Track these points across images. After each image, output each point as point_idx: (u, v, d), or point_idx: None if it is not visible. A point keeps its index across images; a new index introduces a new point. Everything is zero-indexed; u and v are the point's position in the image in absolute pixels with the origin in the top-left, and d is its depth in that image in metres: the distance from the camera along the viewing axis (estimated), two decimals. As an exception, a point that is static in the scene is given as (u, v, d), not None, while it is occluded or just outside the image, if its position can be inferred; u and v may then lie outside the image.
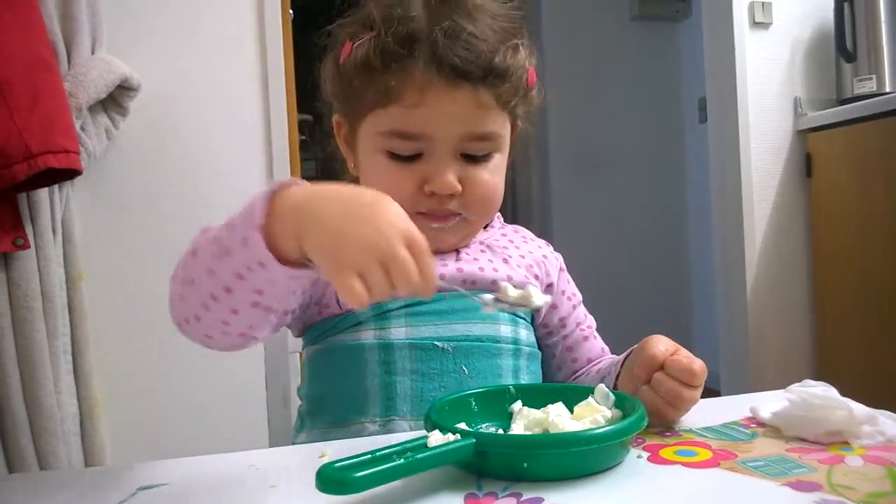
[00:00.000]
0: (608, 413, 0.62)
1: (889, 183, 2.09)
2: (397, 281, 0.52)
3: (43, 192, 1.47)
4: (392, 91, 0.72)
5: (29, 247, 1.43)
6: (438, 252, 0.79)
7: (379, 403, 0.74)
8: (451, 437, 0.54)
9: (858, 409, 0.60)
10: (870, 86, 2.25)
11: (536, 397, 0.67)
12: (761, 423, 0.66)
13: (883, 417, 0.62)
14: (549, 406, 0.64)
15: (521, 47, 0.77)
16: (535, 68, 0.81)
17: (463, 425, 0.61)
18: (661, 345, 0.68)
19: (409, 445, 0.53)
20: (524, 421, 0.63)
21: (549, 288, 0.87)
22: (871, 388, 2.10)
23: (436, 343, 0.75)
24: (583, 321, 0.92)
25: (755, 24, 2.36)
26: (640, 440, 0.62)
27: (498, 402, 0.68)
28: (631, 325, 4.10)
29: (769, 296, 2.38)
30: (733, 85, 2.36)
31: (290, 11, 1.83)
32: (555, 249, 0.97)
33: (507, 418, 0.65)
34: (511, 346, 0.79)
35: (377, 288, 0.52)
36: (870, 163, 2.16)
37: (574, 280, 0.96)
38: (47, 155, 1.33)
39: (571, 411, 0.63)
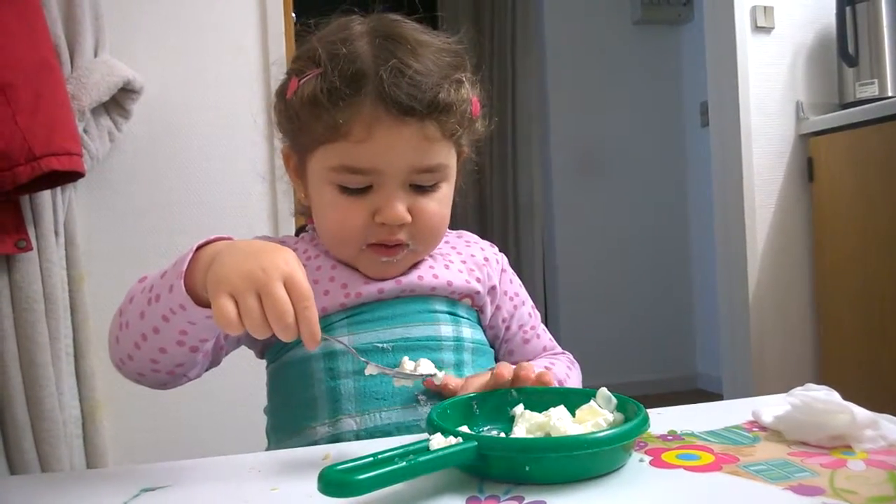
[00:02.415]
0: (610, 416, 0.62)
1: (891, 187, 2.09)
2: (269, 313, 0.57)
3: (45, 195, 1.47)
4: (340, 128, 0.74)
5: (31, 249, 1.43)
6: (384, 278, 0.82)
7: (326, 407, 0.76)
8: (453, 440, 0.54)
9: (861, 413, 0.60)
10: (872, 90, 2.25)
11: (538, 400, 0.67)
12: (763, 427, 0.66)
13: (885, 421, 0.62)
14: (552, 409, 0.64)
15: (464, 80, 0.80)
16: (479, 98, 0.83)
17: (465, 428, 0.61)
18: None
19: (411, 448, 0.53)
20: (526, 424, 0.63)
21: (491, 290, 0.89)
22: (874, 392, 2.10)
23: (376, 345, 0.78)
24: (526, 322, 0.93)
25: (757, 28, 2.37)
26: (642, 444, 0.62)
27: (500, 406, 0.68)
28: (633, 330, 4.08)
29: (771, 300, 2.38)
30: (735, 89, 2.36)
31: (293, 15, 1.84)
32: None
33: (509, 421, 0.66)
34: (452, 343, 0.81)
35: (249, 315, 0.57)
36: (871, 167, 2.16)
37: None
38: (50, 157, 1.33)
39: (573, 415, 0.64)
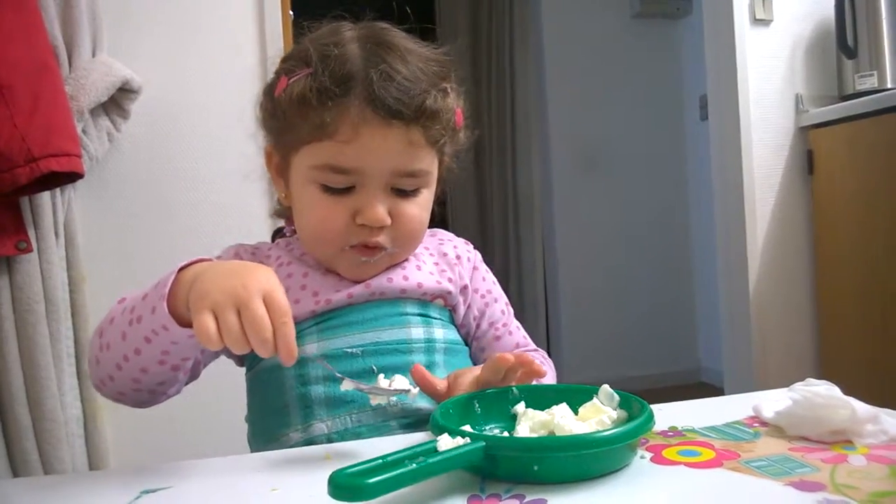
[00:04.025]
0: (613, 414, 0.62)
1: (891, 179, 2.08)
2: (247, 328, 0.59)
3: (45, 196, 1.47)
4: (327, 127, 0.75)
5: (31, 250, 1.43)
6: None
7: (299, 413, 0.77)
8: (460, 440, 0.54)
9: (861, 407, 0.60)
10: (871, 82, 2.25)
11: (540, 398, 0.67)
12: (764, 423, 0.66)
13: (886, 416, 0.62)
14: (554, 407, 0.64)
15: (450, 90, 0.81)
16: (462, 109, 0.85)
17: (467, 427, 0.61)
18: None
19: (419, 450, 0.53)
20: (529, 423, 0.63)
21: (464, 289, 0.89)
22: (875, 386, 2.10)
23: (346, 350, 0.78)
24: (497, 319, 0.93)
25: (756, 20, 2.36)
26: (642, 441, 0.62)
27: (501, 404, 0.68)
28: (635, 324, 4.08)
29: (772, 294, 2.38)
30: (734, 82, 2.36)
31: (291, 13, 1.83)
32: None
33: (511, 420, 0.66)
34: (423, 345, 0.81)
35: (228, 331, 0.58)
36: (871, 159, 2.15)
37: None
38: (49, 158, 1.33)
39: (576, 412, 0.64)
